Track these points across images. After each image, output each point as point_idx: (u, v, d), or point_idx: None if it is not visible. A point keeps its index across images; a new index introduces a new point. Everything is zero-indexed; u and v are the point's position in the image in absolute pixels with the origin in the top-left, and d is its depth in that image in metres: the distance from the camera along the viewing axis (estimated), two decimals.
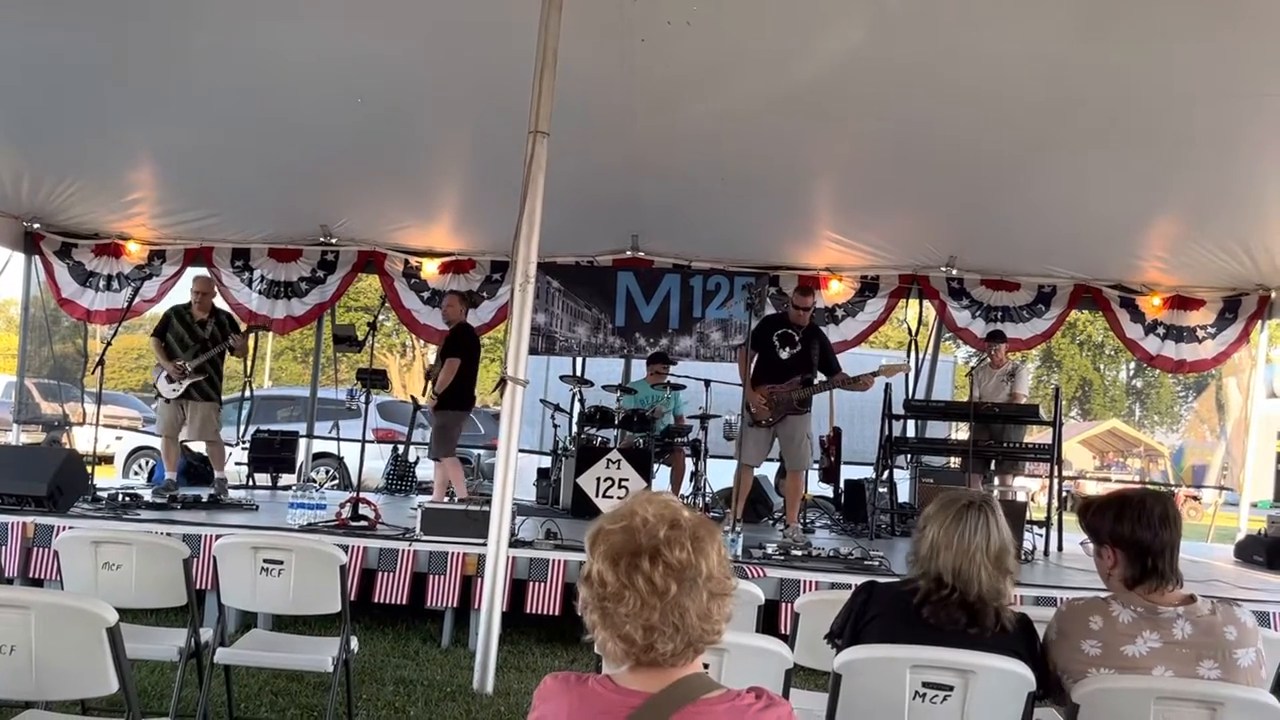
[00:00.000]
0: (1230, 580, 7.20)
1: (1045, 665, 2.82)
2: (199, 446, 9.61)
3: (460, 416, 8.80)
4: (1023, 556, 7.30)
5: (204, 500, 8.01)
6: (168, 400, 8.60)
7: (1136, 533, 2.77)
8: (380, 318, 8.82)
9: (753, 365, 8.03)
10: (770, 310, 9.92)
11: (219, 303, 9.68)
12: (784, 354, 7.69)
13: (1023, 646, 2.79)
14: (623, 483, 8.82)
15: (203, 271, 10.32)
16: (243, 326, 9.24)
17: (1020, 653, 2.76)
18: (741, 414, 7.97)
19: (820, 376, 7.94)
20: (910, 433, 9.86)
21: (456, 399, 8.66)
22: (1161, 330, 10.26)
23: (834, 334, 10.22)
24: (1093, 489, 23.97)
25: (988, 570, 2.75)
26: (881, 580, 3.02)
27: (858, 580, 4.09)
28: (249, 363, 9.59)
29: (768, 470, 9.76)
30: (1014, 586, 2.84)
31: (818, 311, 10.37)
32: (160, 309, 9.95)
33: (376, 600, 6.34)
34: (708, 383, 9.86)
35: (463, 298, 9.12)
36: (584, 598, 1.80)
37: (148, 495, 7.93)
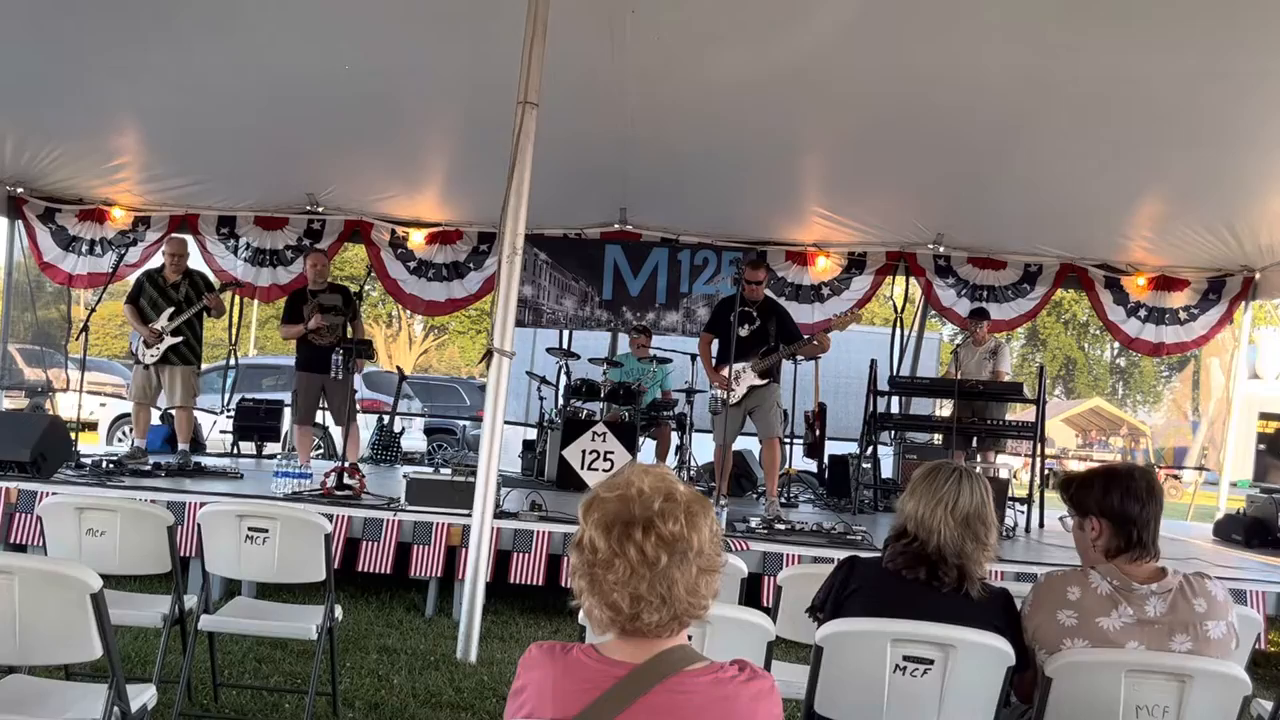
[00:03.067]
0: (1208, 558, 7.27)
1: (1020, 637, 2.85)
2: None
3: None
4: (1004, 533, 7.36)
5: (189, 468, 7.98)
6: (145, 366, 8.42)
7: (1125, 504, 2.81)
8: (366, 288, 8.72)
9: (715, 348, 8.02)
10: None
11: (199, 265, 9.56)
12: (743, 331, 7.64)
13: (1001, 620, 2.82)
14: (608, 455, 8.84)
15: (178, 235, 10.20)
16: (216, 284, 9.10)
17: (999, 626, 2.79)
18: (711, 399, 7.99)
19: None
20: (895, 409, 9.90)
21: None
22: (1143, 312, 10.29)
23: (819, 312, 10.24)
24: (1076, 468, 24.17)
25: (949, 525, 2.80)
26: (863, 555, 3.05)
27: (840, 555, 4.12)
28: (233, 330, 9.53)
29: (753, 444, 9.79)
30: (990, 561, 2.86)
31: (803, 289, 10.42)
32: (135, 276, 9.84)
33: (361, 569, 6.37)
34: (694, 357, 9.86)
35: (327, 255, 9.04)
36: (573, 564, 1.82)
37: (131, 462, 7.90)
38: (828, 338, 7.83)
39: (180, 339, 8.43)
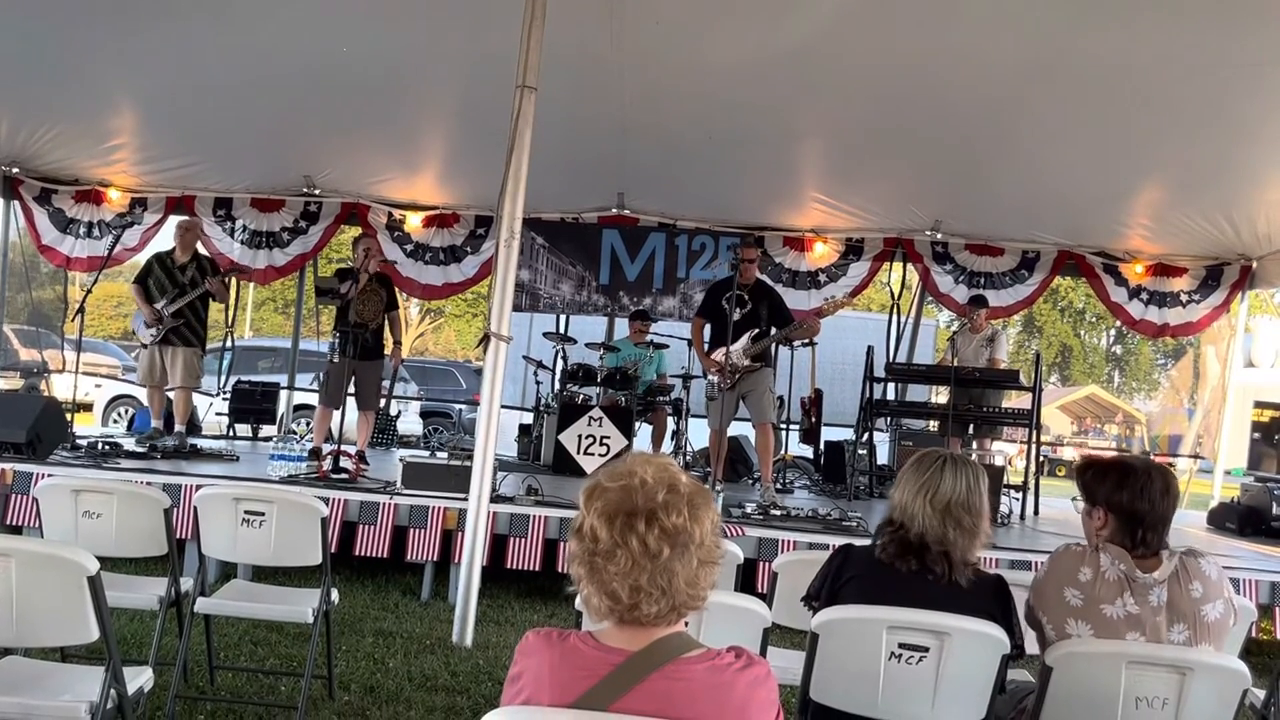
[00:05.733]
0: (1203, 547, 7.25)
1: (1025, 610, 2.87)
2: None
3: None
4: (999, 520, 7.38)
5: (184, 450, 7.98)
6: (146, 346, 8.50)
7: (1135, 503, 2.80)
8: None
9: (707, 332, 8.00)
10: None
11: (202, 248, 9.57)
12: (735, 315, 7.61)
13: (995, 607, 2.82)
14: (604, 440, 8.84)
15: (202, 222, 10.33)
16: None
17: (994, 613, 2.79)
18: (707, 384, 7.97)
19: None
20: (891, 395, 9.90)
21: None
22: (1145, 295, 10.28)
23: (816, 298, 10.21)
24: (1070, 455, 24.20)
25: (928, 514, 2.81)
26: (858, 543, 3.05)
27: (835, 541, 4.14)
28: (230, 312, 9.53)
29: (749, 430, 9.81)
30: (980, 549, 2.87)
31: (800, 275, 10.40)
32: (143, 257, 9.85)
33: (357, 553, 6.37)
34: (690, 342, 9.86)
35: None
36: (573, 551, 1.81)
37: (127, 444, 7.90)
38: (817, 323, 7.80)
39: (181, 321, 8.47)
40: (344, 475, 6.92)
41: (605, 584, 1.75)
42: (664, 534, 1.74)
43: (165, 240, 9.92)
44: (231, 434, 10.55)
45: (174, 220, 10.39)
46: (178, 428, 8.61)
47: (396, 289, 9.56)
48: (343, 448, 7.45)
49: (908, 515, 2.85)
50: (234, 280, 9.27)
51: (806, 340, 8.68)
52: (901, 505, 2.87)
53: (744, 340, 7.63)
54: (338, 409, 8.05)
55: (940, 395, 10.93)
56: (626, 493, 1.77)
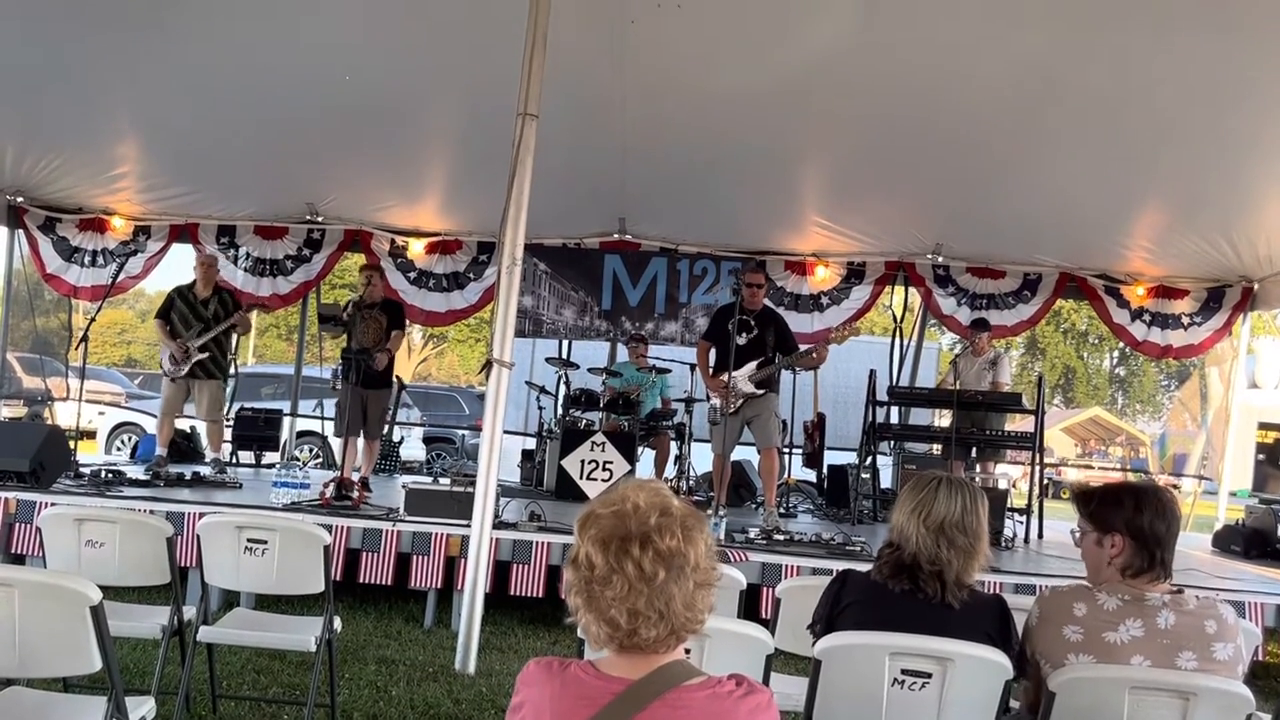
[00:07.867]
0: (1208, 569, 7.26)
1: (1023, 649, 2.85)
2: (184, 424, 9.61)
3: None
4: (1003, 544, 7.35)
5: (188, 478, 7.99)
6: (173, 380, 8.57)
7: (1154, 524, 2.78)
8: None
9: (712, 355, 8.00)
10: None
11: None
12: (740, 339, 7.60)
13: (994, 628, 2.81)
14: (607, 465, 8.83)
15: (205, 249, 10.44)
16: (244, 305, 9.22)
17: (990, 634, 2.78)
18: (710, 409, 7.97)
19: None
20: (894, 419, 9.89)
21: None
22: (1148, 317, 10.30)
23: (819, 321, 10.24)
24: (1075, 477, 24.11)
25: (922, 533, 2.81)
26: (856, 569, 3.05)
27: (839, 565, 4.12)
28: (233, 340, 9.58)
29: (752, 454, 9.79)
30: (980, 570, 2.87)
31: (802, 298, 10.42)
32: (147, 285, 9.96)
33: (361, 580, 6.36)
34: (693, 367, 9.86)
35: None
36: (570, 580, 1.82)
37: (131, 472, 7.92)
38: (825, 350, 7.80)
39: (207, 355, 8.60)
40: (347, 503, 6.92)
41: (603, 611, 1.75)
42: (659, 557, 1.74)
43: (169, 268, 9.98)
44: (234, 461, 10.55)
45: (176, 250, 10.50)
46: (213, 454, 8.80)
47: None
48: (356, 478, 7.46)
49: (903, 536, 2.86)
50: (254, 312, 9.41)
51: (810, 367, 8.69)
52: (898, 526, 2.89)
53: (749, 367, 7.64)
54: (356, 436, 8.10)
55: (943, 418, 10.91)
56: (620, 518, 1.77)
